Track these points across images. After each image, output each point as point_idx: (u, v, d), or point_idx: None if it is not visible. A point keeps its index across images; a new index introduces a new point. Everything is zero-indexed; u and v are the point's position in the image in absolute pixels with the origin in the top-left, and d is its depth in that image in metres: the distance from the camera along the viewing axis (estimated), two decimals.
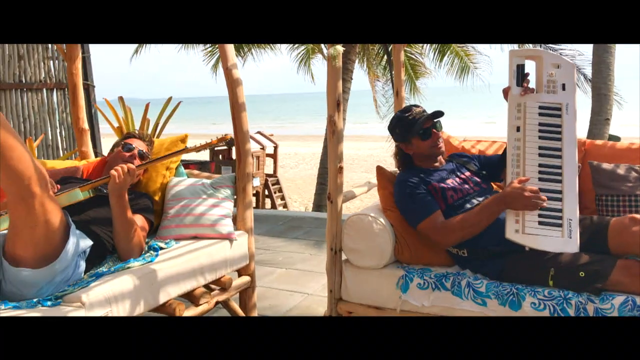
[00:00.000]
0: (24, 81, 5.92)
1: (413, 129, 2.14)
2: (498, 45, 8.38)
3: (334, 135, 2.05)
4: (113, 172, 1.89)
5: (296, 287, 3.30)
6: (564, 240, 1.81)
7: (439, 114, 2.15)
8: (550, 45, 8.09)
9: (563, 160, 1.90)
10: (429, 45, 9.72)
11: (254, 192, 13.22)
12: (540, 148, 1.92)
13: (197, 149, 2.02)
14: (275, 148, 14.35)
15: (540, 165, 1.90)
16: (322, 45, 11.63)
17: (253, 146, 13.08)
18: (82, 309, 1.63)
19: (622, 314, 1.66)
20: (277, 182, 14.08)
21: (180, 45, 10.36)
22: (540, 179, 1.89)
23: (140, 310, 1.84)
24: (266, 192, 13.77)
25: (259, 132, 14.55)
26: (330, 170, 2.10)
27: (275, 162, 14.53)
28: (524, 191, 1.82)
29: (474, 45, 9.48)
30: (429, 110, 2.18)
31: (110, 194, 1.91)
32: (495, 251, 1.91)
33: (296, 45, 11.07)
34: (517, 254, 1.87)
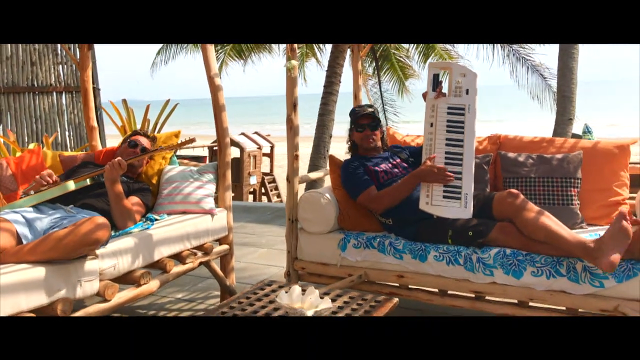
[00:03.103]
0: (36, 85, 6.49)
1: (354, 121, 2.73)
2: (475, 50, 8.93)
3: (291, 130, 2.65)
4: (107, 165, 2.47)
5: (274, 262, 3.89)
6: (461, 210, 2.38)
7: (375, 120, 2.78)
8: (524, 45, 8.68)
9: (464, 149, 2.46)
10: (414, 48, 10.28)
11: (252, 189, 13.79)
12: (447, 139, 2.48)
13: (170, 148, 2.63)
14: (272, 148, 14.87)
15: (446, 153, 2.47)
16: (316, 50, 12.22)
17: (250, 146, 13.68)
18: (96, 259, 2.20)
19: (495, 261, 2.24)
20: (274, 181, 14.61)
21: (185, 48, 10.87)
22: (445, 163, 2.45)
23: (139, 263, 2.41)
24: (263, 190, 14.31)
25: (256, 133, 15.09)
26: (288, 157, 2.70)
27: (271, 161, 15.05)
28: (433, 168, 2.39)
29: (457, 50, 10.04)
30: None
31: (105, 181, 2.49)
32: (411, 219, 2.49)
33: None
34: (427, 220, 2.45)
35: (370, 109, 2.82)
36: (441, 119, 2.50)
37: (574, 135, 7.31)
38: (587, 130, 9.58)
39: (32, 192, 2.43)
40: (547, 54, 9.23)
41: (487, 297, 2.34)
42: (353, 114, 2.84)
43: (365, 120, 2.74)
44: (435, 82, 2.53)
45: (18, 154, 3.91)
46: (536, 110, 9.76)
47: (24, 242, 2.10)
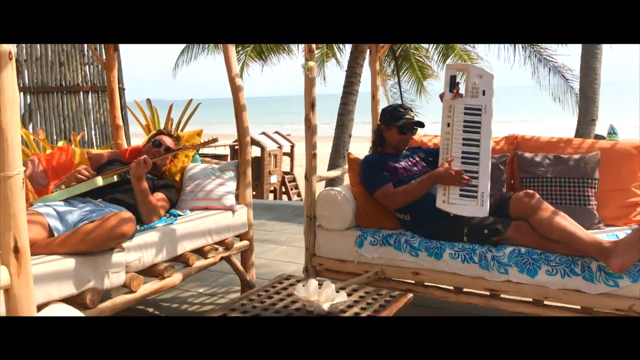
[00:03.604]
0: (64, 85, 6.69)
1: (398, 120, 2.78)
2: (495, 51, 8.90)
3: (309, 130, 2.71)
4: (133, 163, 2.56)
5: (293, 259, 3.96)
6: (477, 208, 2.42)
7: (421, 125, 2.81)
8: (543, 46, 8.60)
9: (480, 149, 2.49)
10: (433, 48, 10.27)
11: (272, 188, 13.93)
12: (463, 139, 2.52)
13: (193, 147, 2.71)
14: (292, 147, 14.99)
15: (463, 152, 2.50)
16: (336, 50, 12.28)
17: (271, 145, 13.81)
18: (123, 252, 2.30)
19: (510, 259, 2.26)
20: (294, 179, 14.73)
21: (207, 49, 11.05)
22: (462, 162, 2.49)
23: (163, 257, 2.50)
24: (283, 189, 14.43)
25: (276, 132, 15.23)
26: (306, 156, 2.76)
27: (292, 160, 15.17)
28: (450, 170, 2.43)
29: (477, 51, 9.99)
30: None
31: (132, 178, 2.59)
32: (428, 216, 2.54)
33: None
34: (444, 218, 2.49)
35: (412, 114, 2.86)
36: (458, 119, 2.54)
37: (597, 137, 7.22)
38: (612, 132, 9.44)
39: (63, 186, 2.55)
40: (569, 55, 9.15)
41: (502, 295, 2.37)
42: (395, 112, 2.81)
43: (410, 125, 2.79)
44: (452, 83, 2.57)
45: (48, 151, 4.06)
46: (558, 111, 9.65)
47: (55, 234, 2.21)
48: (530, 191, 2.39)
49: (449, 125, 2.55)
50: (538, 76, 9.21)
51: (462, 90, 2.57)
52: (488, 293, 2.37)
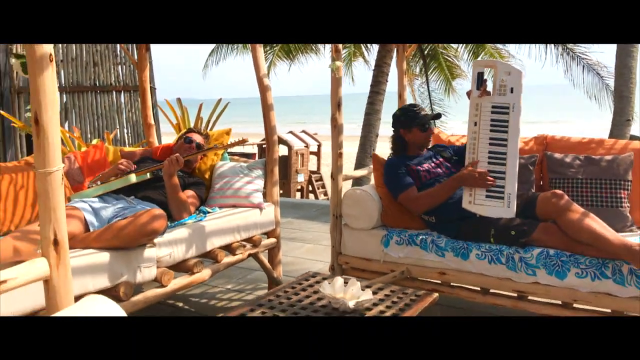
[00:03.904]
0: (97, 84, 6.89)
1: (417, 120, 2.77)
2: (526, 49, 8.74)
3: (335, 129, 2.73)
4: (166, 161, 2.63)
5: (320, 257, 3.99)
6: (504, 209, 2.39)
7: (439, 116, 2.82)
8: (578, 45, 8.40)
9: (507, 148, 2.46)
10: (463, 47, 10.14)
11: (299, 187, 14.00)
12: (490, 139, 2.49)
13: (224, 147, 2.76)
14: (319, 146, 15.01)
15: (489, 152, 2.48)
16: (363, 49, 12.26)
17: (298, 144, 13.88)
18: (154, 247, 2.37)
19: (538, 261, 2.24)
20: (320, 179, 14.75)
21: (236, 49, 11.19)
22: (489, 162, 2.47)
23: (192, 253, 2.56)
24: (310, 188, 14.48)
25: (303, 131, 15.28)
26: (332, 155, 2.79)
27: (318, 160, 15.20)
28: (474, 172, 2.42)
29: (508, 49, 9.82)
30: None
31: (164, 175, 2.65)
32: (454, 217, 2.53)
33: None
34: (470, 219, 2.48)
35: (425, 108, 2.87)
36: (485, 118, 2.51)
37: (632, 137, 7.01)
38: None
39: (99, 182, 2.64)
40: (604, 52, 8.90)
41: (529, 297, 2.34)
42: (411, 113, 2.82)
43: (431, 119, 2.80)
44: (480, 81, 2.54)
45: (83, 148, 4.20)
46: (591, 112, 9.41)
47: (91, 229, 2.29)
48: (559, 191, 2.35)
49: (475, 124, 2.53)
50: (571, 74, 8.99)
51: (489, 88, 2.53)
52: (515, 294, 2.35)
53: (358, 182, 7.60)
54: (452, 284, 2.54)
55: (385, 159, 2.90)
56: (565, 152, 2.82)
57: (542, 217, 2.36)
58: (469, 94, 2.57)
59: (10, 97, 5.80)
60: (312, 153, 14.78)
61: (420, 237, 2.56)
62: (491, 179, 2.40)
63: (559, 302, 2.28)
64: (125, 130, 7.10)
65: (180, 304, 3.14)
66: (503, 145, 2.46)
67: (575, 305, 2.24)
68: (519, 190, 2.43)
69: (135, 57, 3.89)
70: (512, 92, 2.47)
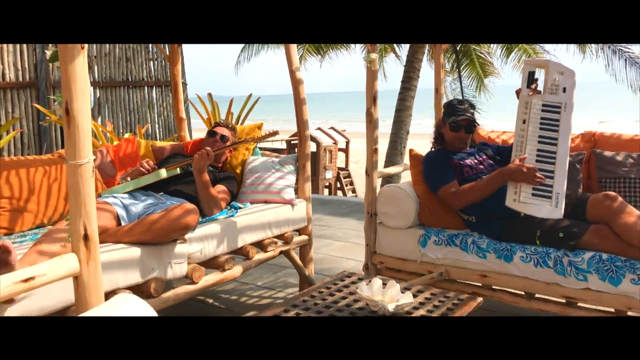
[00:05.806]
0: (130, 79, 6.94)
1: (451, 117, 2.65)
2: (563, 45, 8.43)
3: (370, 123, 2.63)
4: (196, 155, 2.57)
5: (351, 255, 3.90)
6: (551, 209, 2.25)
7: (473, 124, 2.64)
8: (620, 45, 8.04)
9: (558, 147, 2.32)
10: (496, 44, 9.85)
11: (327, 183, 13.94)
12: (539, 137, 2.36)
13: (255, 140, 2.69)
14: (347, 143, 14.93)
15: (538, 150, 2.35)
16: (395, 45, 12.06)
17: (326, 140, 13.82)
18: (185, 243, 2.32)
19: (590, 266, 2.09)
20: (349, 176, 14.67)
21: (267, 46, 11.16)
22: (537, 161, 2.33)
23: (224, 249, 2.50)
24: (338, 184, 14.41)
25: (332, 128, 15.20)
26: (367, 150, 2.68)
27: (347, 156, 15.11)
28: (522, 167, 2.28)
29: (543, 45, 9.49)
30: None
31: (194, 170, 2.60)
32: (496, 215, 2.39)
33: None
34: (514, 218, 2.34)
35: (471, 111, 2.70)
36: (534, 116, 2.39)
37: None
38: None
39: (128, 178, 2.60)
40: None
41: (579, 304, 2.20)
42: (452, 108, 2.68)
43: (464, 122, 2.63)
44: (530, 80, 2.43)
45: (115, 142, 4.20)
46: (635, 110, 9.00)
47: (122, 223, 2.25)
48: (612, 193, 2.20)
49: (524, 122, 2.40)
50: (612, 69, 8.62)
51: (540, 87, 2.42)
52: (564, 300, 2.21)
53: (388, 180, 7.46)
54: (493, 287, 2.41)
55: (423, 155, 2.79)
56: (615, 149, 2.66)
57: (592, 220, 2.21)
58: (518, 92, 2.45)
59: (45, 91, 5.88)
60: (340, 150, 14.71)
61: (460, 237, 2.44)
62: (540, 175, 2.27)
63: (612, 310, 2.13)
64: (157, 125, 7.15)
65: (210, 301, 3.10)
66: (553, 144, 2.33)
67: (629, 313, 2.08)
68: (566, 190, 2.28)
69: (168, 51, 3.87)
70: (564, 91, 2.37)
